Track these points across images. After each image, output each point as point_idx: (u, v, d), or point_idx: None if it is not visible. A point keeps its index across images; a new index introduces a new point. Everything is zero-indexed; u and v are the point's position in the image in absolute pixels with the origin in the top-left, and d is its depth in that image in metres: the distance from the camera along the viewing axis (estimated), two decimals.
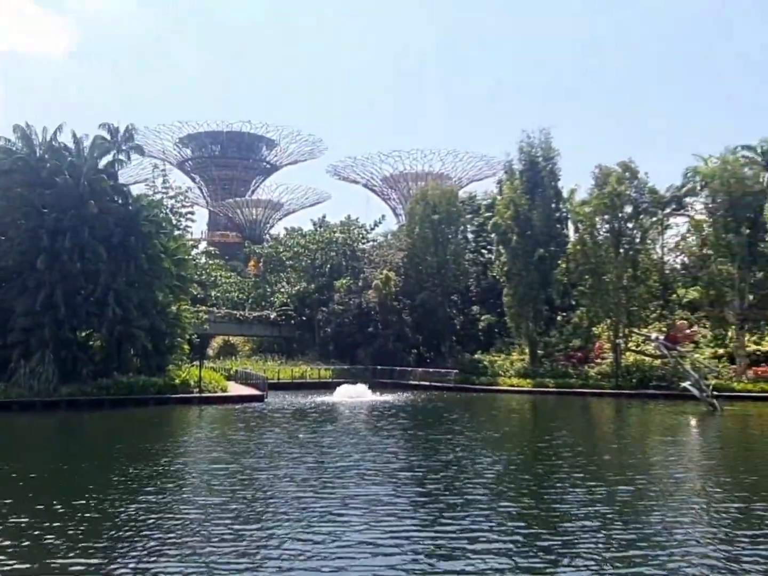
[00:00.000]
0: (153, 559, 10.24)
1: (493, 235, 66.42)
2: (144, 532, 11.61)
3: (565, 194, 67.36)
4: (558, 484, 16.38)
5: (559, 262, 62.26)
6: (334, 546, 10.81)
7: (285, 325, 78.09)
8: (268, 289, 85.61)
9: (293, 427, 29.34)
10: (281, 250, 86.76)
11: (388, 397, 47.86)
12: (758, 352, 52.83)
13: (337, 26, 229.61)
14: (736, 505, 14.19)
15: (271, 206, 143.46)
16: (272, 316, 77.84)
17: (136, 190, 57.91)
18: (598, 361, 57.36)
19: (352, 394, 47.10)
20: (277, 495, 14.84)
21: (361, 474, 17.14)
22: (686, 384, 40.43)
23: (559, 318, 66.63)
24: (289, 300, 78.63)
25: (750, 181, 54.47)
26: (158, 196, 58.43)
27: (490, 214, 69.66)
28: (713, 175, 55.11)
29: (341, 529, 11.76)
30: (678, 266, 70.12)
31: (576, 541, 11.26)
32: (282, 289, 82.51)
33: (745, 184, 53.20)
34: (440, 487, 15.77)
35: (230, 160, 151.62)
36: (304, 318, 77.09)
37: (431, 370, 62.66)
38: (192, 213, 67.69)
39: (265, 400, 43.77)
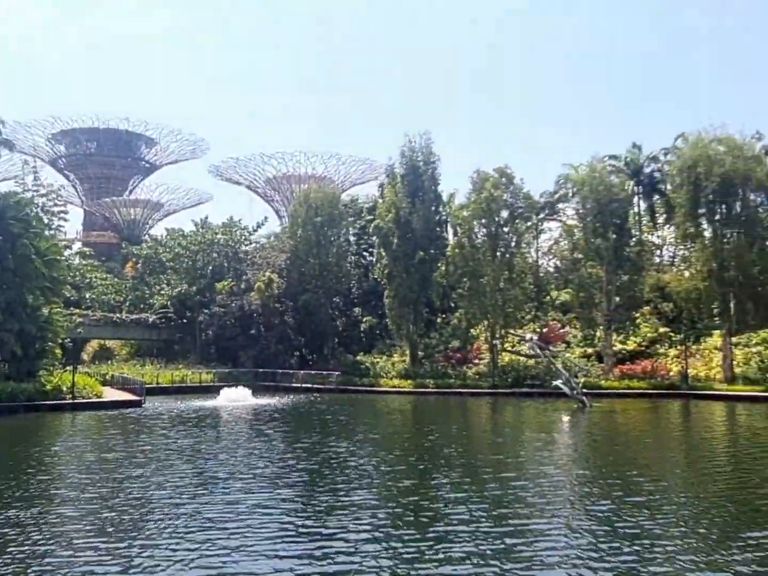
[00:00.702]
0: (19, 571, 9.90)
1: (374, 238, 67.05)
2: (10, 548, 11.12)
3: (445, 198, 68.97)
4: (435, 483, 16.72)
5: (439, 264, 63.67)
6: (212, 552, 10.75)
7: (165, 328, 76.26)
8: (147, 291, 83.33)
9: (171, 432, 28.64)
10: (161, 251, 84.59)
11: (271, 401, 47.58)
12: (624, 351, 55.84)
13: (222, 23, 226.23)
14: (604, 498, 14.78)
15: (150, 206, 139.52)
16: (151, 319, 75.83)
17: (4, 187, 55.32)
18: (476, 361, 59.07)
19: (234, 398, 46.49)
20: (151, 503, 14.36)
21: (242, 479, 16.94)
22: (558, 382, 42.24)
23: (438, 320, 68.10)
24: (169, 302, 76.77)
25: (616, 189, 57.33)
26: (28, 195, 55.82)
27: (372, 217, 70.38)
28: (583, 182, 57.71)
29: (219, 536, 11.63)
30: (551, 269, 73.17)
31: (449, 537, 11.50)
32: (162, 291, 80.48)
33: (611, 191, 55.92)
34: (321, 489, 15.65)
35: (107, 158, 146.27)
36: (184, 321, 75.47)
37: (314, 372, 62.73)
38: (65, 212, 64.78)
39: (143, 405, 42.67)
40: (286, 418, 36.42)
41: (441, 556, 10.46)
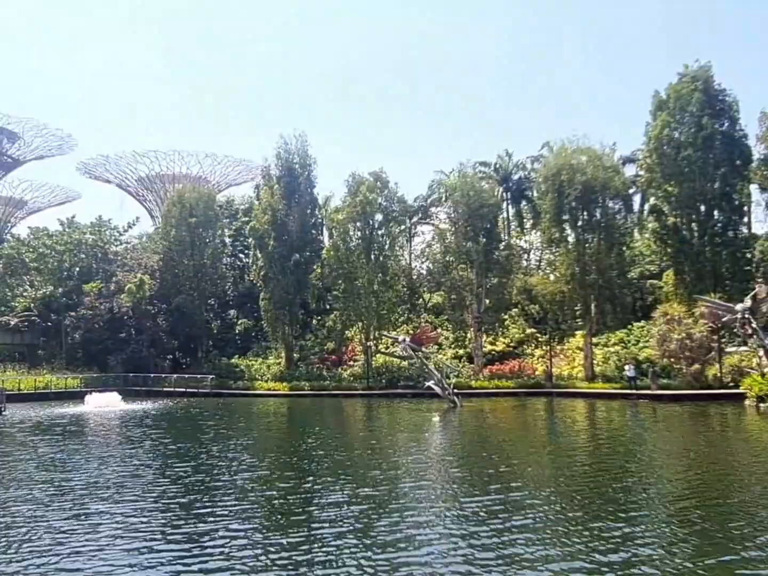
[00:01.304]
0: None
1: (250, 240, 66.65)
2: None
3: (321, 201, 69.30)
4: (309, 486, 16.61)
5: (315, 267, 63.95)
6: (78, 564, 10.57)
7: (28, 332, 72.80)
8: (9, 293, 79.35)
9: (33, 441, 27.57)
10: (24, 251, 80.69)
11: (142, 406, 46.47)
12: (493, 352, 57.93)
13: (95, 17, 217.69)
14: (474, 495, 15.37)
15: (12, 204, 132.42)
16: (13, 323, 72.20)
17: None
18: (351, 363, 59.74)
19: (103, 404, 45.16)
20: (8, 517, 13.81)
21: (101, 489, 16.46)
22: (430, 383, 43.31)
23: (314, 321, 68.37)
24: (32, 305, 73.42)
25: (486, 195, 59.25)
26: None
27: (248, 218, 69.95)
28: (455, 187, 59.32)
29: (87, 548, 11.43)
30: (424, 272, 74.67)
31: (323, 538, 11.65)
32: (25, 293, 76.95)
33: (482, 196, 57.69)
34: (193, 498, 15.41)
35: None
36: (49, 324, 72.35)
37: (187, 375, 61.63)
38: None
39: (3, 413, 40.81)
40: (156, 423, 35.69)
41: (308, 557, 10.63)
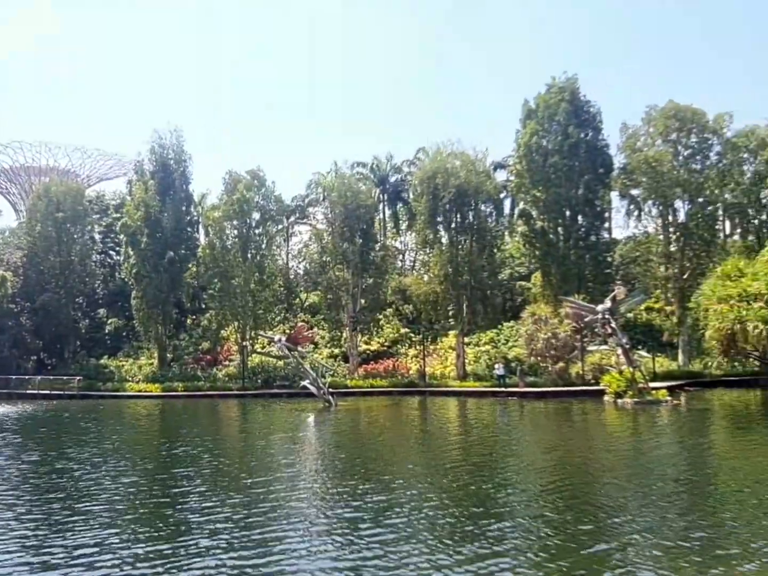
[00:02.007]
0: None
1: (122, 236, 64.43)
2: None
3: (197, 198, 68.04)
4: (181, 491, 16.11)
5: (190, 265, 62.73)
6: None
7: None
8: None
9: None
10: None
11: (2, 409, 44.31)
12: (368, 352, 58.69)
13: None
14: (347, 494, 15.54)
15: None
16: None
17: None
18: (226, 363, 59.02)
19: None
20: None
21: None
22: (305, 382, 43.40)
23: (189, 321, 67.07)
24: None
25: (363, 196, 59.85)
26: None
27: (120, 214, 67.68)
28: (332, 187, 59.62)
29: None
30: (301, 272, 74.65)
31: (189, 545, 11.38)
32: None
33: (359, 197, 58.28)
34: (57, 506, 14.65)
35: None
36: None
37: (53, 377, 58.98)
38: None
39: None
40: (19, 428, 34.14)
41: (176, 564, 10.43)
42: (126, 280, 64.20)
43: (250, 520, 13.08)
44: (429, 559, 10.18)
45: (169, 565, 10.37)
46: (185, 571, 10.09)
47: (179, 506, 14.57)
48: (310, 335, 53.93)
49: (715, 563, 9.66)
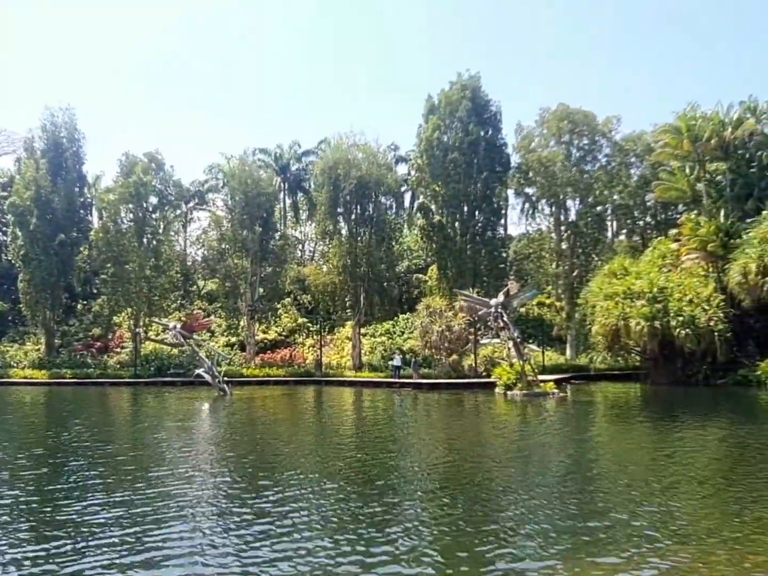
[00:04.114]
0: None
1: (9, 216, 61.76)
2: None
3: (91, 180, 65.99)
4: (66, 486, 15.13)
5: (82, 248, 60.81)
6: None
7: None
8: None
9: None
10: None
11: None
12: (265, 341, 58.47)
13: None
14: (238, 487, 15.57)
15: None
16: None
17: None
18: (118, 350, 57.63)
19: None
20: None
21: None
22: (200, 371, 42.89)
23: (79, 306, 65.06)
24: None
25: (264, 183, 59.39)
26: None
27: (7, 193, 64.84)
28: (233, 174, 58.92)
29: None
30: (199, 259, 73.48)
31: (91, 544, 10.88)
32: None
33: (260, 185, 57.81)
34: None
35: None
36: None
37: None
38: None
39: None
40: None
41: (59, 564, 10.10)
42: (13, 261, 61.55)
43: (140, 516, 12.54)
44: (325, 552, 10.15)
45: (46, 567, 9.81)
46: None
47: (62, 504, 13.66)
48: (206, 323, 52.96)
49: (594, 543, 10.27)
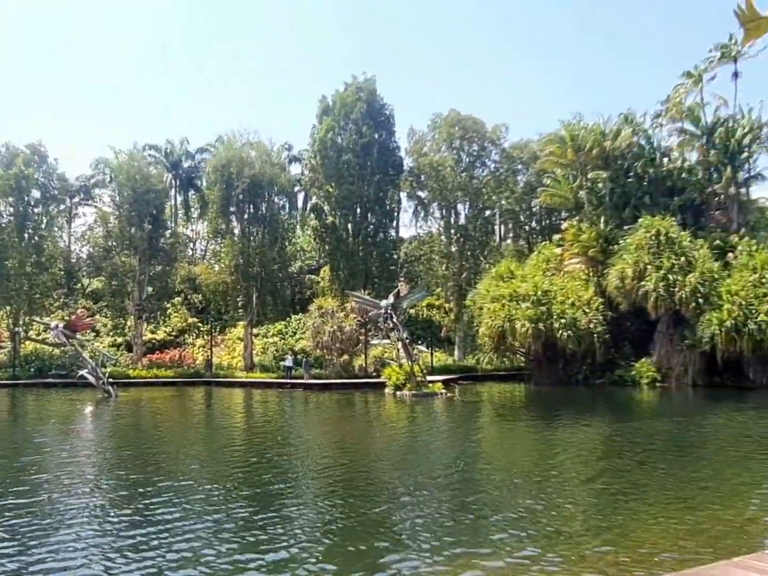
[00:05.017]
0: None
1: None
2: None
3: None
4: None
5: None
6: None
7: None
8: None
9: None
10: None
11: None
12: (154, 341, 57.18)
13: None
14: (123, 490, 15.30)
15: None
16: None
17: None
18: None
19: None
20: None
21: None
22: (84, 372, 41.58)
23: None
24: None
25: (154, 180, 58.01)
26: None
27: None
28: (121, 169, 57.31)
29: None
30: (84, 256, 71.16)
31: None
32: None
33: (149, 181, 56.47)
34: None
35: None
36: None
37: None
38: None
39: None
40: None
41: None
42: None
43: (18, 522, 12.15)
44: (210, 559, 10.05)
45: None
46: None
47: None
48: (90, 322, 51.33)
49: (477, 541, 10.71)
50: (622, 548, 9.97)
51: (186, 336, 59.35)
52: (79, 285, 68.72)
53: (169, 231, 61.62)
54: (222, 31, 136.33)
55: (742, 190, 49.66)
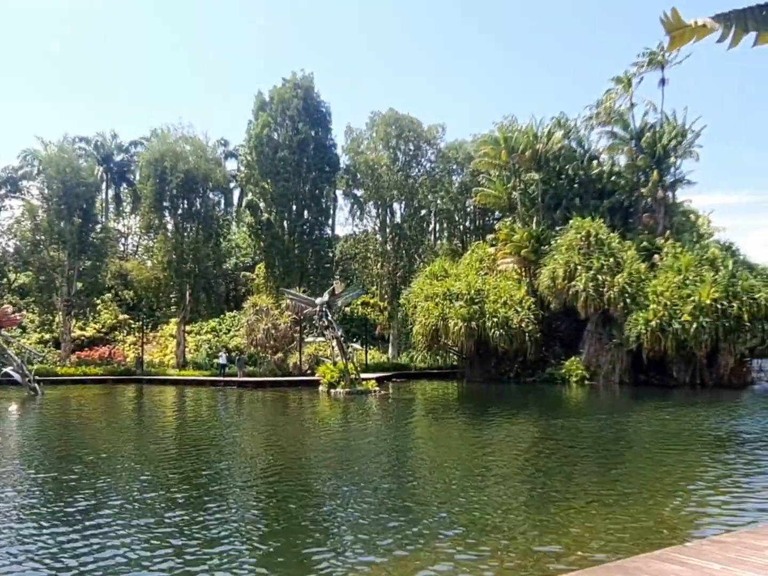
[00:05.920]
0: None
1: None
2: None
3: None
4: None
5: None
6: None
7: None
8: None
9: None
10: None
11: None
12: (83, 338, 55.98)
13: None
14: (44, 497, 15.05)
15: None
16: None
17: None
18: None
19: None
20: None
21: None
22: (8, 369, 40.53)
23: None
24: None
25: (85, 173, 56.71)
26: None
27: None
28: (50, 161, 55.88)
29: None
30: (11, 250, 69.08)
31: None
32: None
33: (79, 174, 55.17)
34: None
35: None
36: None
37: None
38: None
39: None
40: None
41: None
42: None
43: None
44: (142, 565, 9.84)
45: None
46: None
47: None
48: (16, 318, 49.86)
49: (408, 537, 10.86)
50: (551, 543, 10.21)
51: (116, 333, 58.28)
52: (5, 280, 66.68)
53: (100, 225, 60.31)
54: (159, 24, 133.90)
55: (669, 194, 51.11)
